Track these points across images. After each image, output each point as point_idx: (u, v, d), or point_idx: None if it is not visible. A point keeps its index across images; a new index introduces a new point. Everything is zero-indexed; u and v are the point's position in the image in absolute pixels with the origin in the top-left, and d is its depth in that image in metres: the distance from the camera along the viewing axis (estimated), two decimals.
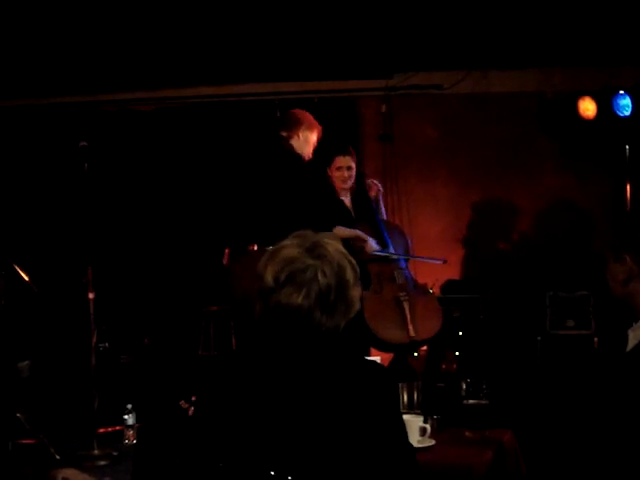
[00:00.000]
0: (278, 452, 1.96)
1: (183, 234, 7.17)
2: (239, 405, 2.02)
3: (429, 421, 3.35)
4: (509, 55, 6.70)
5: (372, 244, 5.39)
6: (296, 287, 2.02)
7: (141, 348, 6.73)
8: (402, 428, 2.04)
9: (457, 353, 5.91)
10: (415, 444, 2.94)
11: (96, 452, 4.39)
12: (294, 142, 5.05)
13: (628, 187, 6.45)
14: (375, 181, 5.86)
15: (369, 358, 2.59)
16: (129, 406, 4.61)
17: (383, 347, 5.41)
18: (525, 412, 5.20)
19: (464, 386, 3.54)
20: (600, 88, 6.36)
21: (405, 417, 2.74)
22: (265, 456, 1.96)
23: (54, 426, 4.78)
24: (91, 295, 4.53)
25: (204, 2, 6.62)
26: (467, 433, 3.46)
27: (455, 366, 5.81)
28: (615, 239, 2.49)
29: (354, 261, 2.12)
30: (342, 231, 5.12)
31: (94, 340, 4.54)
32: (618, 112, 6.24)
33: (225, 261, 4.99)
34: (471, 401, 3.52)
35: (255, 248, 4.81)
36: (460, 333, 6.14)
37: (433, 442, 3.28)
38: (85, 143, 4.59)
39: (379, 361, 3.26)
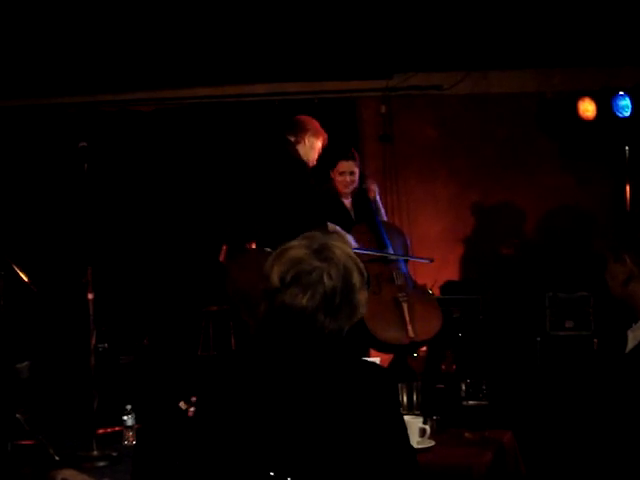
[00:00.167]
0: (278, 453, 1.96)
1: (183, 234, 7.18)
2: (239, 405, 2.02)
3: (429, 422, 3.35)
4: (509, 56, 6.70)
5: (350, 241, 5.34)
6: (301, 288, 2.02)
7: (140, 348, 6.73)
8: (403, 429, 2.04)
9: (455, 353, 5.91)
10: (415, 445, 2.94)
11: (95, 453, 4.38)
12: (300, 147, 5.10)
13: (628, 187, 6.45)
14: (372, 181, 5.86)
15: (369, 359, 2.59)
16: (128, 407, 4.60)
17: (382, 348, 5.40)
18: (525, 413, 5.19)
19: (464, 387, 3.53)
20: (600, 88, 6.36)
21: (405, 418, 2.74)
22: (265, 456, 1.96)
23: (53, 427, 4.76)
24: (90, 295, 4.53)
25: (204, 2, 6.62)
26: (467, 434, 3.46)
27: (455, 367, 5.80)
28: (615, 239, 2.49)
29: (362, 265, 2.11)
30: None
31: (93, 340, 4.53)
32: (618, 113, 6.24)
33: (221, 258, 4.99)
34: (471, 402, 3.51)
35: (253, 246, 4.81)
36: (460, 334, 6.14)
37: (433, 443, 3.28)
38: (85, 143, 4.59)
39: (379, 362, 3.26)
